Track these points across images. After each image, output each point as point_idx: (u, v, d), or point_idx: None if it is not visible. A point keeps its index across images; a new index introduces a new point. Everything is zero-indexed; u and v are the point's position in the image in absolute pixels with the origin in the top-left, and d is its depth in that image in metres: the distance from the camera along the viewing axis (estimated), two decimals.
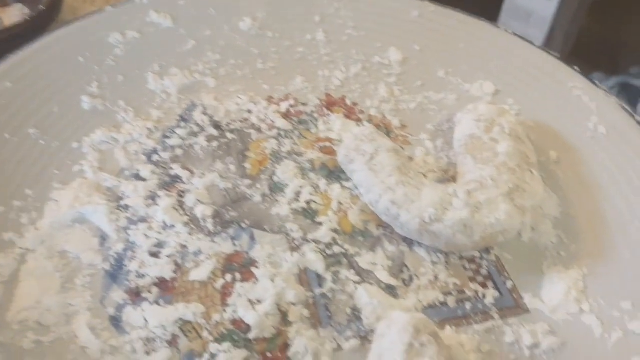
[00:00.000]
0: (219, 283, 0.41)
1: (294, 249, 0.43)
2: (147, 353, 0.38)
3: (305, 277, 0.42)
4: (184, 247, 0.43)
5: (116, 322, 0.39)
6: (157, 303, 0.40)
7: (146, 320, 0.39)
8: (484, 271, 0.44)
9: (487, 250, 0.45)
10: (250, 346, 0.39)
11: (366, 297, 0.41)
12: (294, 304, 0.40)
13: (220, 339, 0.39)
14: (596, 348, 0.39)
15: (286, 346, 0.39)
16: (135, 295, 0.41)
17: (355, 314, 0.41)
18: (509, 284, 0.43)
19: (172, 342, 0.38)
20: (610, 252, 0.44)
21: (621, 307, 0.41)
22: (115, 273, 0.42)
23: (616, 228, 0.45)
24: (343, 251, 0.44)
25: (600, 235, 0.45)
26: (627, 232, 0.45)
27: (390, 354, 0.35)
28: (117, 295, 0.40)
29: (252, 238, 0.44)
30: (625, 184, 0.48)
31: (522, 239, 0.45)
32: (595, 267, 0.44)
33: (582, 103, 0.52)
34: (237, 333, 0.39)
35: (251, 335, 0.39)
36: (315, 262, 0.43)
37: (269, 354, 0.38)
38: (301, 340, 0.39)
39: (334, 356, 0.39)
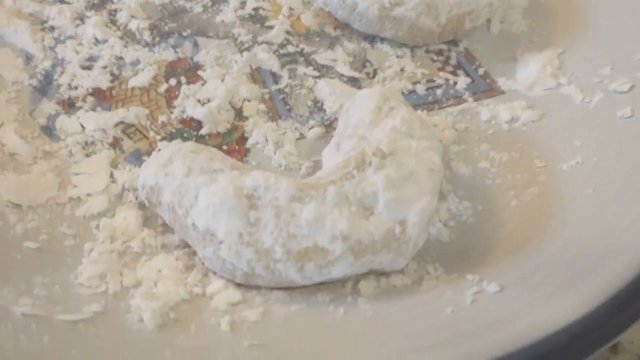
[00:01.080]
0: (163, 87, 0.37)
1: (244, 50, 0.39)
2: (87, 155, 0.34)
3: (259, 76, 0.38)
4: (119, 58, 0.39)
5: (49, 130, 0.35)
6: (93, 111, 0.36)
7: (83, 127, 0.35)
8: (453, 61, 0.40)
9: (455, 43, 0.41)
10: (202, 141, 0.35)
11: (327, 89, 0.37)
12: (248, 100, 0.37)
13: (168, 138, 0.35)
14: (578, 112, 0.36)
15: (244, 139, 0.35)
16: (69, 106, 0.36)
17: (317, 106, 0.37)
18: (481, 71, 0.40)
19: (115, 144, 0.34)
20: (583, 28, 0.41)
21: (600, 73, 0.38)
22: (44, 88, 0.37)
23: (587, 4, 0.42)
24: (298, 50, 0.40)
25: (571, 15, 0.42)
26: (598, 5, 0.42)
27: (357, 118, 0.32)
28: (48, 106, 0.36)
29: (196, 45, 0.40)
30: None
31: (491, 31, 0.42)
32: (570, 45, 0.40)
33: None
34: (187, 131, 0.35)
35: (203, 131, 0.35)
36: (268, 60, 0.39)
37: (225, 147, 0.35)
38: (260, 131, 0.35)
39: (297, 144, 0.35)
